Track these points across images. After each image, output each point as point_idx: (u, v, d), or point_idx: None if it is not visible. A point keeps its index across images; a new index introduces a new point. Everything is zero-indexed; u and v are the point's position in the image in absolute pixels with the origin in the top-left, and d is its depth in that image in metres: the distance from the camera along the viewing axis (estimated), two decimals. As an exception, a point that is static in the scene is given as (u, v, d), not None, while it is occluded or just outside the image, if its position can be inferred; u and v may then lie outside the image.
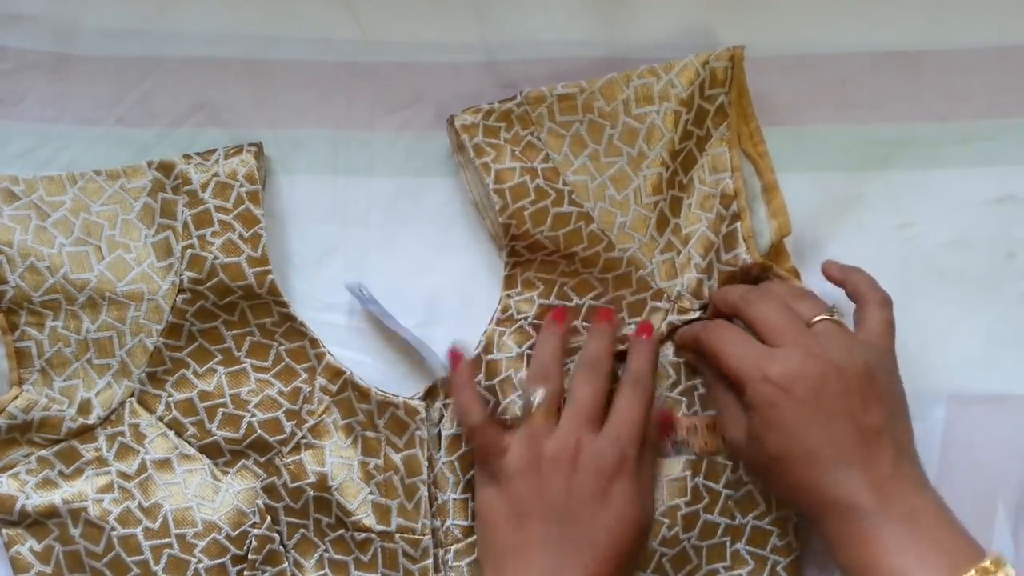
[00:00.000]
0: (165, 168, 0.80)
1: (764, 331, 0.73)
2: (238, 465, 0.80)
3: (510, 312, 0.80)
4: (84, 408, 0.79)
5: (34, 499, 0.78)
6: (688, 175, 0.81)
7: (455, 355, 0.78)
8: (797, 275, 0.81)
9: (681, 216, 0.81)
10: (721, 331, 0.75)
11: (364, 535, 0.78)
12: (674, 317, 0.80)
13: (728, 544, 0.79)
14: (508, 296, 0.80)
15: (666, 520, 0.78)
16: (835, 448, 0.69)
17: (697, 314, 0.80)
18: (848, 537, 0.69)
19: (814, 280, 0.81)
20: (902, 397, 0.73)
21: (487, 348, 0.79)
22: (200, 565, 0.77)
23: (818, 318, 0.73)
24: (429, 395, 0.80)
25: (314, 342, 0.80)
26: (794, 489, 0.71)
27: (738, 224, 0.80)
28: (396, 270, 0.84)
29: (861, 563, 0.68)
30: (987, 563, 0.66)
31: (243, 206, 0.79)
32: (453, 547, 0.78)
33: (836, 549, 0.70)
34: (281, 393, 0.80)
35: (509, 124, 0.81)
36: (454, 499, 0.78)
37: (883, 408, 0.70)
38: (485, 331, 0.80)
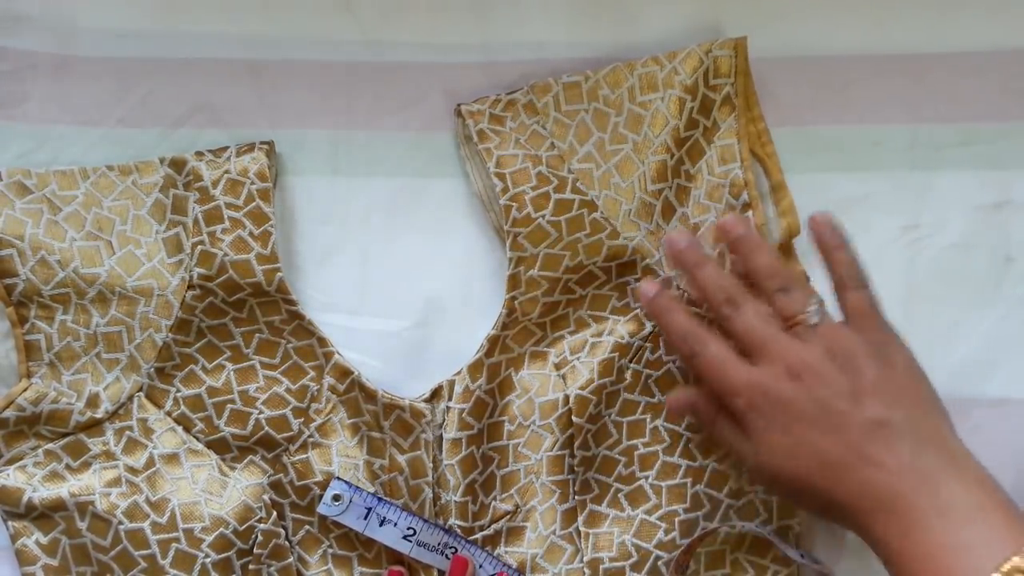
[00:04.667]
0: (177, 164, 0.81)
1: (744, 346, 0.72)
2: (245, 460, 0.80)
3: (515, 315, 0.80)
4: (92, 402, 0.79)
5: (41, 492, 0.77)
6: (696, 165, 0.82)
7: (459, 561, 0.78)
8: (806, 278, 0.81)
9: (689, 206, 0.81)
10: (705, 353, 0.73)
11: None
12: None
13: (728, 552, 0.79)
14: (513, 298, 0.80)
15: (663, 524, 0.79)
16: (839, 453, 0.68)
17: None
18: (888, 542, 0.67)
19: (820, 281, 0.81)
20: (911, 381, 0.71)
21: (489, 351, 0.80)
22: (207, 560, 0.77)
23: (800, 316, 0.71)
24: (433, 398, 0.80)
25: (322, 341, 0.80)
26: (813, 501, 0.70)
27: (750, 213, 0.80)
28: (396, 270, 0.84)
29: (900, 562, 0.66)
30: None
31: (253, 203, 0.80)
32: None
33: (878, 548, 0.68)
34: (289, 391, 0.80)
35: (515, 113, 0.81)
36: (455, 501, 0.78)
37: (880, 400, 0.68)
38: (488, 335, 0.80)
